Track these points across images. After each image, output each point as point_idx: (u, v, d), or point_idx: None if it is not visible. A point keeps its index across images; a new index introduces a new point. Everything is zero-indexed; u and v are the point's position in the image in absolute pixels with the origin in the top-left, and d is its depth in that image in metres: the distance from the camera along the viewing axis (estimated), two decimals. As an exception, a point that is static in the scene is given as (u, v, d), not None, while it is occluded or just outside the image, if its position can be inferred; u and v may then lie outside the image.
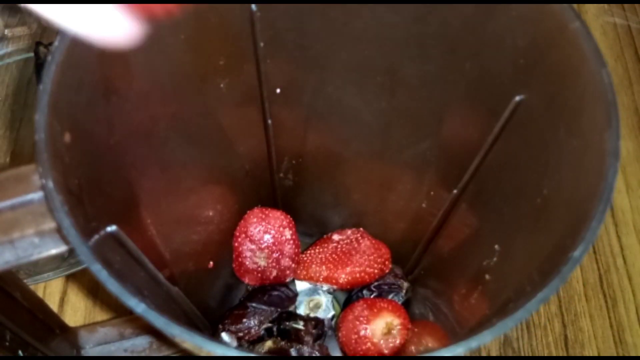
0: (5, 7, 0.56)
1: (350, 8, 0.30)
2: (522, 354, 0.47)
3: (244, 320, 0.40)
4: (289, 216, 0.42)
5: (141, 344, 0.40)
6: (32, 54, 0.55)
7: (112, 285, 0.19)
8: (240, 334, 0.40)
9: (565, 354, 0.47)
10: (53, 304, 0.47)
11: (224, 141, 0.36)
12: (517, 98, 0.29)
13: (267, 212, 0.42)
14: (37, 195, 0.22)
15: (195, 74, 0.32)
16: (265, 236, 0.41)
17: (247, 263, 0.42)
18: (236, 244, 0.42)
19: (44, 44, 0.51)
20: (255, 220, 0.41)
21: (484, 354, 0.47)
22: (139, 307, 0.19)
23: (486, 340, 0.19)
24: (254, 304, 0.41)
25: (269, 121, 0.37)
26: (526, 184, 0.29)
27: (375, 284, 0.42)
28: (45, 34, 0.57)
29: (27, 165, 0.22)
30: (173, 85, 0.30)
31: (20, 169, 0.22)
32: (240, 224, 0.42)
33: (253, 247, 0.41)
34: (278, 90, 0.35)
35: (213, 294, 0.42)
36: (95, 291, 0.48)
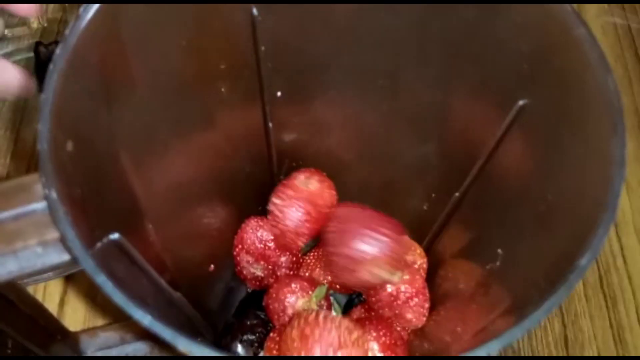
0: (5, 7, 0.56)
1: (351, 11, 0.30)
2: (522, 354, 0.47)
3: (260, 329, 0.40)
4: None
5: (142, 348, 0.40)
6: (32, 54, 0.55)
7: (118, 297, 0.19)
8: (256, 344, 0.39)
9: (565, 354, 0.47)
10: (53, 305, 0.47)
11: (225, 145, 0.36)
12: (521, 102, 0.29)
13: (262, 223, 0.41)
14: (40, 205, 0.21)
15: (196, 78, 0.31)
16: (260, 248, 0.41)
17: (245, 272, 0.42)
18: (234, 253, 0.42)
19: (44, 43, 0.51)
20: (250, 231, 0.41)
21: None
22: (145, 319, 0.19)
23: (494, 349, 0.19)
24: (262, 315, 0.41)
25: (270, 124, 0.37)
26: (529, 189, 0.29)
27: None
28: (45, 34, 0.56)
29: (29, 174, 0.22)
30: (174, 90, 0.30)
31: (22, 179, 0.22)
32: (238, 234, 0.41)
33: (249, 258, 0.41)
34: (279, 94, 0.35)
35: (214, 297, 0.42)
36: (95, 291, 0.47)
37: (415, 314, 0.38)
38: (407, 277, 0.38)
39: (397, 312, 0.37)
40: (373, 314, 0.39)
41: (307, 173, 0.40)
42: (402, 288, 0.38)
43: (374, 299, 0.39)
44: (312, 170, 0.40)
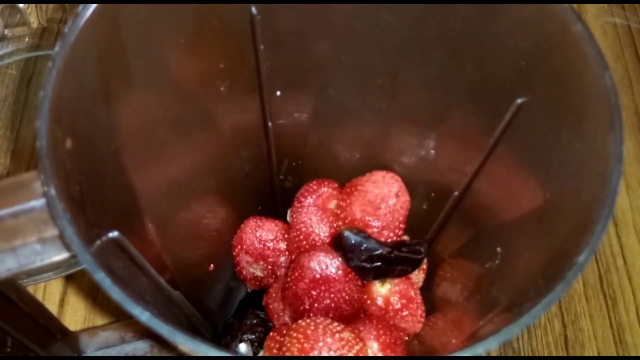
0: (5, 7, 0.56)
1: (350, 10, 0.30)
2: (522, 354, 0.47)
3: (260, 328, 0.40)
4: (286, 225, 0.42)
5: (142, 347, 0.40)
6: (32, 54, 0.55)
7: (116, 293, 0.19)
8: (256, 344, 0.39)
9: (565, 354, 0.47)
10: (53, 305, 0.47)
11: (224, 144, 0.36)
12: (519, 100, 0.29)
13: (261, 223, 0.41)
14: (39, 202, 0.22)
15: (195, 77, 0.31)
16: (259, 249, 0.41)
17: (245, 272, 0.42)
18: (234, 253, 0.42)
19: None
20: (249, 231, 0.41)
21: (484, 353, 0.47)
22: (143, 315, 0.19)
23: (492, 346, 0.19)
24: (262, 314, 0.41)
25: (269, 124, 0.37)
26: (528, 187, 0.29)
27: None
28: (45, 33, 0.56)
29: (28, 172, 0.22)
30: (173, 89, 0.30)
31: (21, 176, 0.22)
32: (237, 234, 0.41)
33: (249, 258, 0.41)
34: (278, 93, 0.35)
35: (214, 296, 0.42)
36: (95, 291, 0.48)
37: (408, 323, 0.38)
38: (396, 287, 0.38)
39: (390, 322, 0.37)
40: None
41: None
42: (392, 299, 0.37)
43: (366, 312, 0.38)
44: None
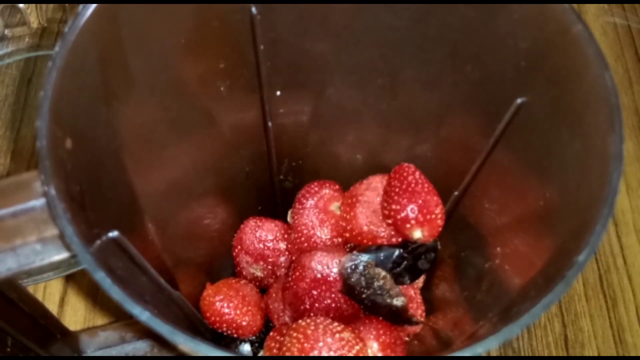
0: (5, 7, 0.56)
1: (350, 10, 0.30)
2: (522, 354, 0.47)
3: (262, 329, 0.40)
4: (285, 225, 0.42)
5: (142, 347, 0.40)
6: (32, 54, 0.55)
7: (116, 293, 0.19)
8: (256, 344, 0.40)
9: (565, 354, 0.47)
10: (53, 305, 0.47)
11: (224, 144, 0.36)
12: (519, 100, 0.29)
13: (261, 223, 0.41)
14: (39, 202, 0.22)
15: (195, 77, 0.31)
16: (259, 249, 0.41)
17: (245, 273, 0.42)
18: (234, 254, 0.42)
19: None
20: (249, 231, 0.41)
21: (484, 353, 0.47)
22: (143, 314, 0.19)
23: (492, 345, 0.19)
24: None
25: (269, 124, 0.37)
26: (528, 186, 0.29)
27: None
28: (45, 34, 0.57)
29: (28, 172, 0.22)
30: (173, 88, 0.30)
31: (21, 176, 0.22)
32: (237, 235, 0.41)
33: (249, 259, 0.41)
34: (278, 93, 0.35)
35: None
36: (95, 291, 0.48)
37: None
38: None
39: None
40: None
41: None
42: None
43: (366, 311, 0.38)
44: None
